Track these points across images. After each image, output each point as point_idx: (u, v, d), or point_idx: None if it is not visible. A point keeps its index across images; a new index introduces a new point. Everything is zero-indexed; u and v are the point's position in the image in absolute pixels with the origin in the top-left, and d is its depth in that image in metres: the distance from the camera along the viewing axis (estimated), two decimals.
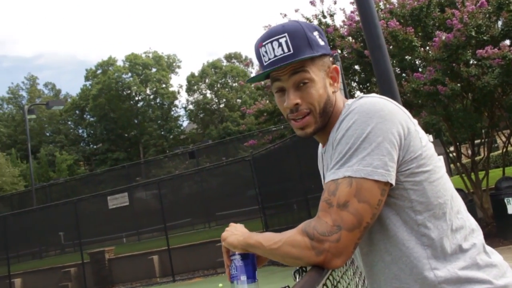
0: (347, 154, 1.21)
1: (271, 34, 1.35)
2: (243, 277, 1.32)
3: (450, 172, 19.42)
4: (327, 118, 1.37)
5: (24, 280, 15.62)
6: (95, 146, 46.45)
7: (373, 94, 1.33)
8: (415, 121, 1.32)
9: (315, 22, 9.99)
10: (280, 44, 1.33)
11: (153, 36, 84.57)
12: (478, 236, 1.33)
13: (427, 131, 9.14)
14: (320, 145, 1.59)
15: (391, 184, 1.21)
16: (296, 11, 10.25)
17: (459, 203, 1.35)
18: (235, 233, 1.37)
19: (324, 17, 10.02)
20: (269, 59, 1.35)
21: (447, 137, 10.84)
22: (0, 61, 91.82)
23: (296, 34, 1.34)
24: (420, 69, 9.02)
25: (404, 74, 9.19)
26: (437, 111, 8.75)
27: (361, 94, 1.39)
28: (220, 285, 9.80)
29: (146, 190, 17.45)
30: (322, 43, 1.38)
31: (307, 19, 9.98)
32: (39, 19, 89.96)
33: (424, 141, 1.29)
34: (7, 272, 15.22)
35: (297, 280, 1.20)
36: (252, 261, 1.34)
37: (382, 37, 3.07)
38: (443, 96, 8.01)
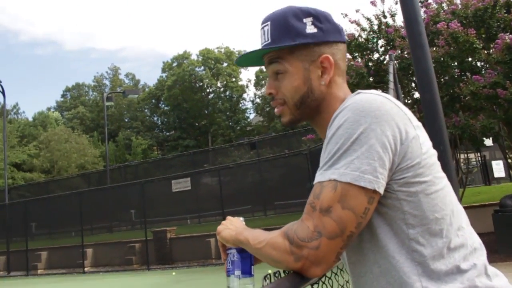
0: (335, 155, 1.06)
1: (263, 21, 1.29)
2: (238, 272, 1.23)
3: (509, 178, 18.26)
4: (308, 111, 1.25)
5: (95, 250, 16.37)
6: (167, 133, 47.83)
7: (372, 91, 1.15)
8: (418, 124, 1.13)
9: (376, 22, 9.65)
10: (264, 32, 1.26)
11: (225, 33, 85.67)
12: (480, 256, 1.13)
13: (484, 134, 8.63)
14: None
15: (380, 194, 1.06)
16: (357, 11, 9.92)
17: (461, 219, 1.15)
18: (229, 227, 1.26)
19: (385, 17, 9.66)
20: (260, 44, 1.29)
21: (508, 142, 10.18)
22: (89, 53, 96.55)
23: (277, 22, 1.24)
24: (483, 71, 8.49)
25: (464, 77, 8.69)
26: (497, 115, 8.22)
27: (359, 90, 1.20)
28: (270, 271, 9.76)
29: (208, 176, 17.74)
30: (311, 30, 1.22)
31: (368, 19, 9.66)
32: (123, 14, 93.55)
33: (425, 148, 1.11)
34: (81, 242, 16.00)
35: (264, 285, 1.09)
36: (250, 255, 1.24)
37: (424, 35, 2.86)
38: (503, 100, 7.51)
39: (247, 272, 1.23)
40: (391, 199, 1.09)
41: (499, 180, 18.52)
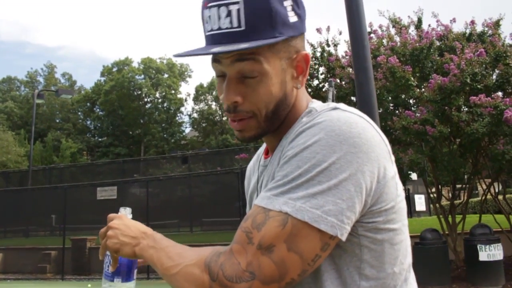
0: (294, 182, 0.83)
1: None
2: (118, 279, 1.07)
3: (429, 212, 19.05)
4: (277, 123, 0.96)
5: (6, 255, 15.13)
6: (99, 139, 46.21)
7: (352, 109, 0.90)
8: (393, 158, 0.93)
9: (319, 50, 9.73)
10: (229, 13, 0.88)
11: (170, 44, 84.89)
12: None
13: (411, 169, 8.84)
14: (256, 155, 1.17)
15: (340, 239, 0.84)
16: None
17: (412, 272, 0.98)
18: (125, 240, 0.95)
19: (328, 45, 9.76)
20: (212, 29, 0.91)
21: (431, 178, 10.54)
22: (23, 47, 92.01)
23: (257, 3, 0.88)
24: (413, 108, 8.74)
25: (397, 111, 8.90)
26: (423, 151, 8.46)
27: (333, 104, 0.94)
28: None
29: (136, 187, 17.08)
30: (293, 19, 0.92)
31: (312, 45, 9.72)
32: (65, 12, 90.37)
33: (399, 188, 0.91)
34: None
35: None
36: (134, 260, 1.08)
37: (369, 59, 2.77)
38: (431, 137, 7.72)
39: (129, 278, 1.08)
40: (351, 243, 0.87)
41: (419, 213, 19.25)
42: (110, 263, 1.04)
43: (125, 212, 1.10)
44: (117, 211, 1.10)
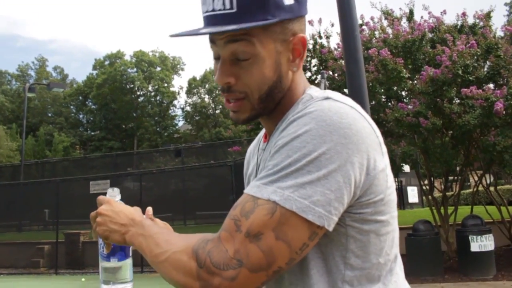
0: (283, 171, 0.83)
1: None
2: (114, 259, 1.09)
3: (421, 204, 19.15)
4: (271, 105, 0.97)
5: None
6: (92, 133, 45.99)
7: (344, 98, 0.90)
8: (385, 149, 0.92)
9: (311, 42, 9.72)
10: None
11: (162, 37, 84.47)
12: None
13: (404, 161, 8.87)
14: (257, 138, 1.18)
15: (327, 230, 0.84)
16: None
17: (399, 263, 0.98)
18: (114, 228, 0.96)
19: (320, 37, 9.75)
20: (207, 11, 0.93)
21: (423, 170, 10.59)
22: (14, 40, 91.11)
23: None
24: (405, 100, 8.76)
25: (389, 104, 8.92)
26: (416, 143, 8.49)
27: (327, 91, 0.95)
28: None
29: (130, 180, 17.03)
30: (289, 1, 0.91)
31: None
32: (56, 5, 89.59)
33: (390, 181, 0.91)
34: None
35: None
36: None
37: (360, 51, 2.78)
38: (424, 129, 7.75)
39: (124, 257, 1.10)
40: (338, 232, 0.87)
41: (412, 205, 19.36)
42: (104, 244, 1.06)
43: (114, 194, 1.11)
44: None
